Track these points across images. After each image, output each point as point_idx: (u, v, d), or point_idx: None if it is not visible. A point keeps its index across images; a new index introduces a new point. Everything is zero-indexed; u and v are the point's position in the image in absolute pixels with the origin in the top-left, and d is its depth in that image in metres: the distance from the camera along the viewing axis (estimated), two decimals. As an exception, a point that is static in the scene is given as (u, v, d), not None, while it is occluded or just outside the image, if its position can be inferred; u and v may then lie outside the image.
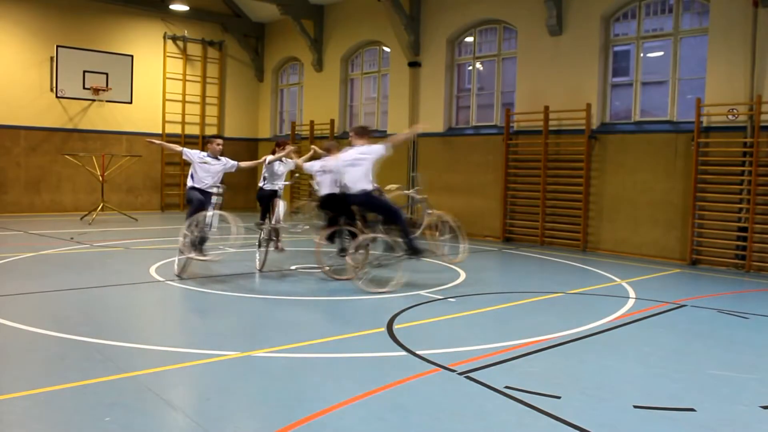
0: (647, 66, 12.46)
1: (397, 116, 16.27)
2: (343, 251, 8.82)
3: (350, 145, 8.61)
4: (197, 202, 8.63)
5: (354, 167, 8.04)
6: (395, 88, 16.40)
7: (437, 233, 9.44)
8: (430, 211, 9.17)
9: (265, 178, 9.80)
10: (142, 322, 6.77)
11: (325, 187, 8.89)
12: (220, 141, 9.26)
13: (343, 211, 8.73)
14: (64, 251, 10.66)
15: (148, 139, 9.94)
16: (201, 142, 19.09)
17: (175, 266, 8.86)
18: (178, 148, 9.41)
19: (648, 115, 12.31)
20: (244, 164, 9.67)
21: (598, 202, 12.41)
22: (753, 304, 7.84)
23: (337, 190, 8.64)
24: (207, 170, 8.95)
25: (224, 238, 9.49)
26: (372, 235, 8.31)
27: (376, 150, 8.11)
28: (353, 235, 8.64)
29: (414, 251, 8.09)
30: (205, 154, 9.11)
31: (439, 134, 15.12)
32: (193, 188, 8.89)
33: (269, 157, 9.71)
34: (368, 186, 8.05)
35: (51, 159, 17.05)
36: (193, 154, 9.04)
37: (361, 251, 8.47)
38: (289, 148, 9.91)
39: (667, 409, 4.33)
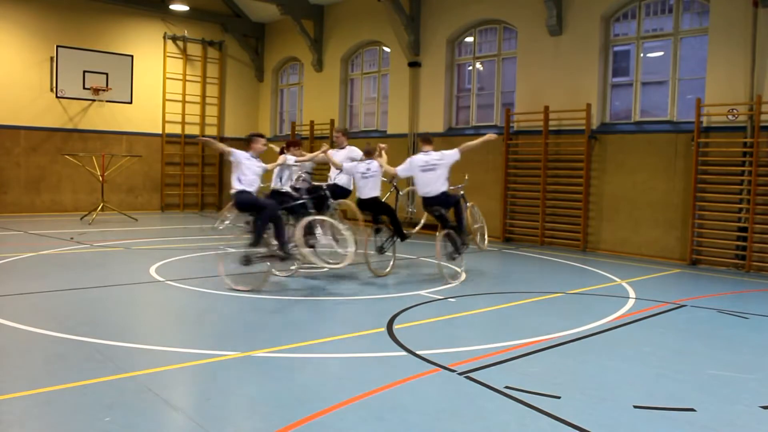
0: (647, 66, 12.46)
1: (397, 116, 16.28)
2: (381, 248, 9.33)
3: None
4: (269, 203, 8.22)
5: (431, 171, 8.75)
6: (395, 88, 16.40)
7: (472, 222, 10.09)
8: (469, 204, 9.74)
9: (281, 179, 9.36)
10: (142, 322, 6.77)
11: (368, 189, 9.13)
12: (264, 141, 8.61)
13: (380, 213, 9.24)
14: (64, 251, 10.66)
15: (200, 138, 9.23)
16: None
17: (227, 280, 8.06)
18: (227, 148, 8.48)
19: (648, 115, 12.31)
20: (269, 166, 9.12)
21: (598, 202, 12.41)
22: (753, 304, 7.84)
23: (379, 193, 9.15)
24: (255, 172, 8.30)
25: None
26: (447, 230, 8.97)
27: (451, 155, 8.87)
28: (378, 232, 9.31)
29: (465, 245, 8.99)
30: (249, 154, 8.38)
31: (439, 134, 15.10)
32: (244, 192, 8.13)
33: (292, 158, 9.36)
34: (445, 188, 8.84)
35: (51, 159, 17.05)
36: (242, 155, 8.30)
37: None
38: (325, 147, 9.77)
39: (667, 409, 4.33)
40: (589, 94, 12.49)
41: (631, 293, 8.28)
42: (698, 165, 10.87)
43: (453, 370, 4.95)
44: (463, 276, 9.08)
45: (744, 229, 10.44)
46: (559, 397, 4.44)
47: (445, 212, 8.90)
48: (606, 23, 12.50)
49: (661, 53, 12.49)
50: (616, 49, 12.71)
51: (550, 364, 5.29)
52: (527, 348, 5.64)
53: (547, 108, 12.94)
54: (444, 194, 8.82)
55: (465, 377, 4.82)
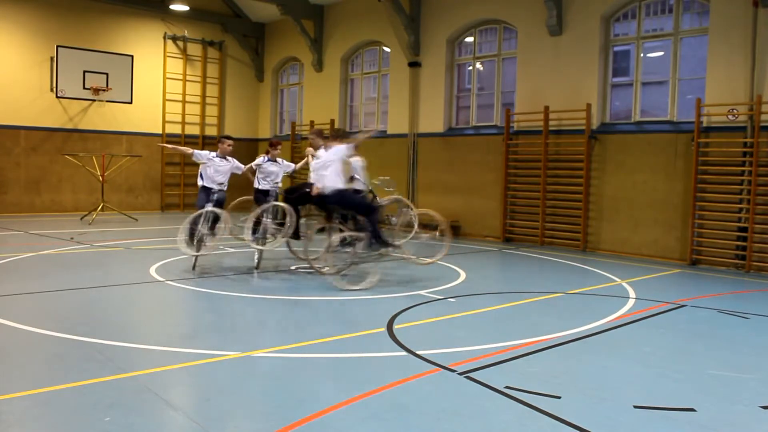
0: (647, 66, 12.46)
1: (397, 116, 16.28)
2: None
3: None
4: (202, 201, 9.18)
5: (323, 168, 8.56)
6: (395, 88, 16.40)
7: (422, 231, 9.78)
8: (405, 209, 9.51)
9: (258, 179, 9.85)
10: (142, 322, 6.77)
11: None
12: (230, 142, 9.65)
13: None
14: (64, 251, 10.66)
15: (160, 143, 10.25)
16: (201, 142, 19.15)
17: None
18: (188, 150, 9.75)
19: (648, 115, 12.31)
20: (246, 167, 10.12)
21: (598, 202, 12.41)
22: (753, 304, 7.84)
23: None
24: (217, 169, 9.36)
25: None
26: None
27: (340, 150, 8.58)
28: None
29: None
30: (214, 154, 9.48)
31: (439, 134, 15.12)
32: (203, 188, 9.32)
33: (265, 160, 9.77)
34: (340, 185, 8.50)
35: (51, 159, 17.05)
36: (203, 155, 9.46)
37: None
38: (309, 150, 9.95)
39: (667, 409, 4.33)
40: (589, 94, 12.48)
41: (631, 293, 8.28)
42: (698, 165, 10.87)
43: (453, 370, 4.95)
44: (375, 279, 8.26)
45: (744, 229, 10.43)
46: (559, 397, 4.44)
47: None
48: (606, 23, 12.49)
49: (661, 53, 12.49)
50: (616, 49, 12.71)
51: (550, 364, 5.28)
52: (527, 348, 5.64)
53: (547, 108, 12.93)
54: (339, 192, 8.41)
55: (465, 377, 4.82)
